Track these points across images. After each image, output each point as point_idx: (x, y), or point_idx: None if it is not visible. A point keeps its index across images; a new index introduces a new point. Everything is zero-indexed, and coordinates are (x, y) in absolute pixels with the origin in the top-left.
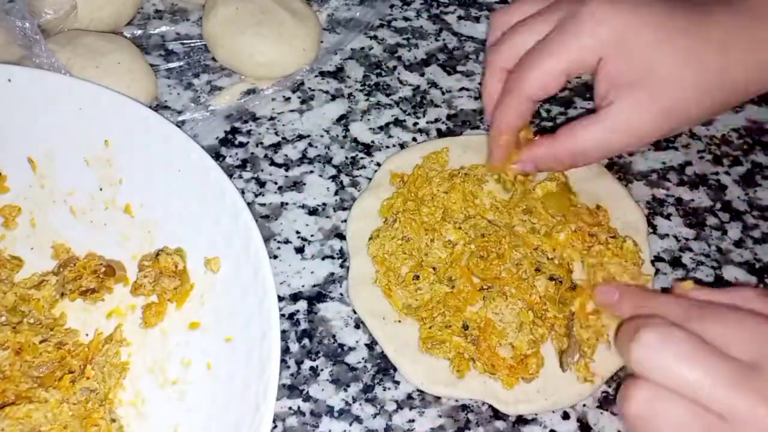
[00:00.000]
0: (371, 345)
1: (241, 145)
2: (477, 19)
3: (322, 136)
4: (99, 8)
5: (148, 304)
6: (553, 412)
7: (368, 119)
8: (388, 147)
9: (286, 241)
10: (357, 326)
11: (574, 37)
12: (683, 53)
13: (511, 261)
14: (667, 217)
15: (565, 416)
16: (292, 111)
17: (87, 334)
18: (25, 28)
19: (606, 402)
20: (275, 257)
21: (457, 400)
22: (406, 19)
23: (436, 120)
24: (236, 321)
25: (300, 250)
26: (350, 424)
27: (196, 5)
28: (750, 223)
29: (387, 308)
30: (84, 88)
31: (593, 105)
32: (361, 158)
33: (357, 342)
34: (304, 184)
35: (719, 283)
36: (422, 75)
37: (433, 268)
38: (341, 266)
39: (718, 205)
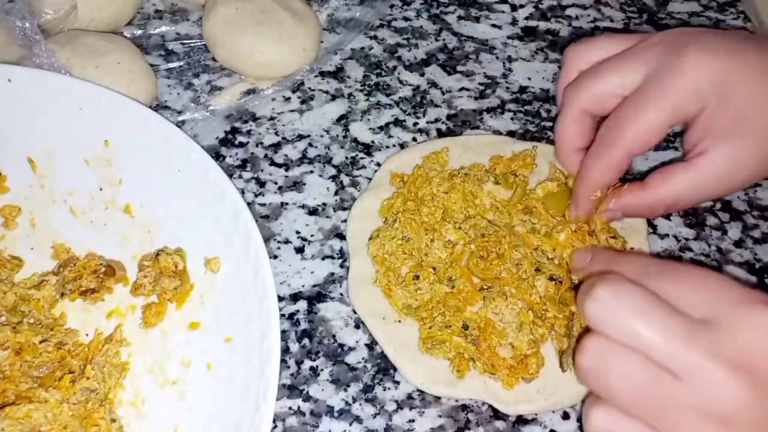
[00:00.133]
0: (371, 345)
1: (241, 145)
2: (477, 19)
3: (322, 136)
4: (99, 8)
5: (148, 304)
6: (553, 412)
7: (368, 119)
8: (388, 147)
9: (286, 241)
10: (357, 326)
11: (675, 88)
12: None
13: (511, 261)
14: (667, 217)
15: (565, 416)
16: (292, 111)
17: (87, 334)
18: (25, 28)
19: None
20: (275, 257)
21: (457, 400)
22: (406, 19)
23: (436, 120)
24: (236, 321)
25: (300, 250)
26: (350, 424)
27: (196, 5)
28: (750, 223)
29: (387, 308)
30: (84, 88)
31: None
32: (361, 158)
33: (357, 342)
34: (304, 184)
35: None
36: (422, 75)
37: (433, 268)
38: (341, 266)
39: (718, 205)
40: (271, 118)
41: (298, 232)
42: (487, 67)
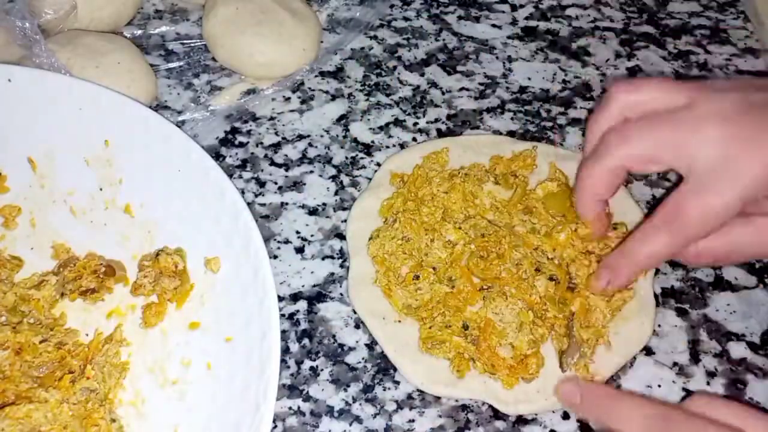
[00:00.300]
0: (371, 345)
1: (241, 145)
2: (477, 19)
3: (322, 136)
4: (99, 8)
5: (148, 304)
6: (553, 412)
7: (368, 119)
8: (388, 147)
9: (286, 241)
10: (357, 326)
11: (741, 178)
12: None
13: (511, 261)
14: None
15: (565, 416)
16: (292, 111)
17: (87, 334)
18: (25, 28)
19: None
20: (275, 257)
21: (457, 400)
22: (406, 19)
23: (436, 120)
24: (236, 321)
25: (300, 250)
26: (350, 424)
27: (196, 5)
28: None
29: (387, 308)
30: (84, 88)
31: (593, 105)
32: (361, 158)
33: (357, 342)
34: (304, 184)
35: (719, 283)
36: (422, 75)
37: (433, 268)
38: (341, 266)
39: None
40: (271, 118)
41: (298, 232)
42: (487, 67)
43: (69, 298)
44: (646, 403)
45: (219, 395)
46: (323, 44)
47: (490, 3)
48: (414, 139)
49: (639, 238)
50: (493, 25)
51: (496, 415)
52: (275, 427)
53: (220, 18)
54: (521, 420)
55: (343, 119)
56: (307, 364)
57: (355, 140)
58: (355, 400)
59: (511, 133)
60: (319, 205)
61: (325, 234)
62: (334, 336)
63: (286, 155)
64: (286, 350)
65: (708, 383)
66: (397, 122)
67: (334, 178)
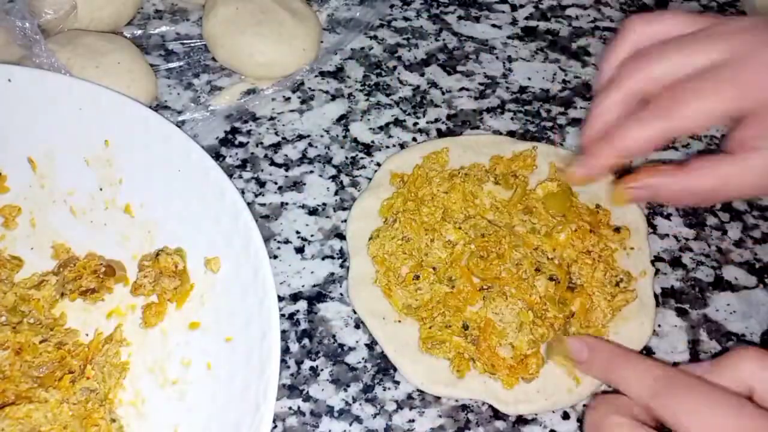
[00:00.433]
0: (371, 345)
1: (241, 145)
2: (477, 19)
3: (322, 136)
4: (99, 8)
5: (148, 304)
6: (553, 412)
7: (368, 119)
8: (388, 147)
9: (286, 241)
10: (357, 326)
11: (742, 84)
12: None
13: (511, 261)
14: (667, 217)
15: (565, 416)
16: (292, 111)
17: (87, 334)
18: (25, 28)
19: None
20: (275, 257)
21: (457, 400)
22: (406, 19)
23: (436, 120)
24: (236, 321)
25: (300, 250)
26: (350, 424)
27: (196, 5)
28: (750, 223)
29: (387, 308)
30: (84, 88)
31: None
32: (361, 158)
33: (357, 342)
34: (304, 184)
35: (719, 283)
36: (422, 75)
37: (433, 268)
38: (341, 266)
39: (718, 205)
40: (271, 118)
41: (298, 232)
42: (487, 67)
43: (69, 298)
44: (655, 365)
45: (219, 395)
46: (323, 44)
47: (490, 3)
48: (414, 139)
49: (625, 125)
50: (493, 25)
51: (496, 415)
52: (275, 427)
53: (220, 18)
54: (521, 420)
55: (343, 119)
56: (307, 364)
57: (355, 140)
58: (355, 400)
59: (511, 133)
60: (319, 205)
61: (325, 234)
62: (334, 336)
63: (286, 155)
64: (286, 350)
65: None
66: (397, 122)
67: (334, 178)
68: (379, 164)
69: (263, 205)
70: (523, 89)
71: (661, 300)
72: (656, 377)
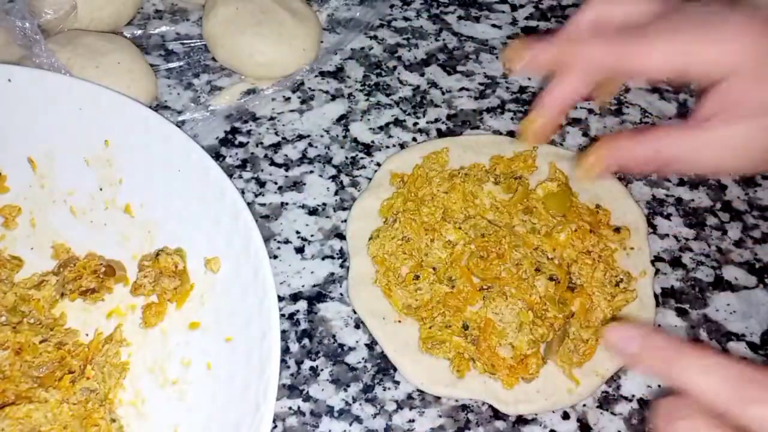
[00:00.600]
0: (371, 345)
1: (241, 145)
2: (477, 19)
3: (322, 136)
4: (99, 8)
5: (148, 304)
6: (553, 412)
7: (368, 119)
8: (388, 147)
9: (286, 241)
10: (357, 326)
11: (711, 44)
12: None
13: (511, 261)
14: (667, 217)
15: (565, 416)
16: (292, 111)
17: (87, 334)
18: (25, 28)
19: (606, 402)
20: (275, 257)
21: (457, 400)
22: (406, 19)
23: (436, 120)
24: (236, 321)
25: (300, 250)
26: (350, 424)
27: (196, 5)
28: (750, 223)
29: (387, 308)
30: (84, 88)
31: (592, 105)
32: (361, 158)
33: (357, 342)
34: (304, 184)
35: (719, 283)
36: (422, 75)
37: (433, 268)
38: (341, 266)
39: (718, 205)
40: (271, 118)
41: (298, 232)
42: (487, 67)
43: (69, 298)
44: (727, 362)
45: (219, 395)
46: (323, 44)
47: (490, 3)
48: (414, 139)
49: (569, 72)
50: (493, 25)
51: (496, 415)
52: (275, 427)
53: (220, 18)
54: (521, 420)
55: (343, 119)
56: (307, 364)
57: (355, 140)
58: (355, 400)
59: (511, 133)
60: (319, 205)
61: (325, 234)
62: (334, 336)
63: (286, 155)
64: (286, 350)
65: None
66: (397, 122)
67: (334, 178)
68: (379, 164)
69: (263, 205)
70: (523, 89)
71: (661, 300)
72: (727, 377)
